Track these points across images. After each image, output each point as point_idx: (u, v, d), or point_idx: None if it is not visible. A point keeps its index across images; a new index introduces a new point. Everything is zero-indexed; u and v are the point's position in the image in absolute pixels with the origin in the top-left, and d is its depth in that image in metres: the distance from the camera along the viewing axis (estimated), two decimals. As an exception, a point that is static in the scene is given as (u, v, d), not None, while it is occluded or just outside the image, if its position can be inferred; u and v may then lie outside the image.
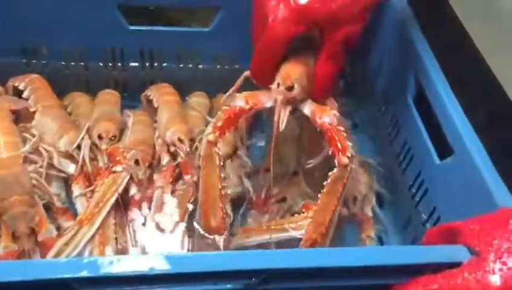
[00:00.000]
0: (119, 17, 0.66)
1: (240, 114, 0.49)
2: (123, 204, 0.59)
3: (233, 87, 0.57)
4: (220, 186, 0.49)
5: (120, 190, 0.58)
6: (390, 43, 0.69)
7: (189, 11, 0.74)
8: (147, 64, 0.71)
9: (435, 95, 0.58)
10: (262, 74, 0.51)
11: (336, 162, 0.47)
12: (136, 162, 0.61)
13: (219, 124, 0.48)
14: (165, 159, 0.62)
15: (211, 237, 0.51)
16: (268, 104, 0.50)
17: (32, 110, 0.65)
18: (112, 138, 0.63)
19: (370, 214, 0.64)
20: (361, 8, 0.47)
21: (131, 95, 0.72)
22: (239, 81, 0.57)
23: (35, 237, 0.55)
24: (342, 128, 0.48)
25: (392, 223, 0.65)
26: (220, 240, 0.51)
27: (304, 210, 0.55)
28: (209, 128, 0.49)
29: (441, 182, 0.56)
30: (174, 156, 0.63)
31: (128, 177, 0.59)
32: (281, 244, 0.53)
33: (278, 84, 0.49)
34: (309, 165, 0.55)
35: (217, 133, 0.47)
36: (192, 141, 0.63)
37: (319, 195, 0.49)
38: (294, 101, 0.50)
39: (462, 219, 0.44)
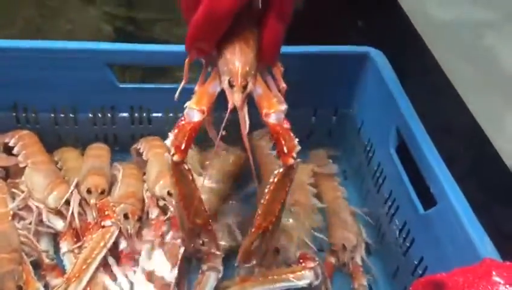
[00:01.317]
0: (109, 75, 0.68)
1: (198, 126, 0.46)
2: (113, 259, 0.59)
3: (183, 81, 0.51)
4: (199, 196, 0.48)
5: (109, 244, 0.58)
6: (372, 96, 0.71)
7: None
8: (137, 118, 0.72)
9: (416, 148, 0.60)
10: (201, 47, 0.46)
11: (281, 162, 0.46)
12: (125, 216, 0.61)
13: (180, 144, 0.44)
14: (154, 213, 0.63)
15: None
16: (218, 90, 0.47)
17: (21, 165, 0.66)
18: (101, 193, 0.63)
19: (360, 263, 0.65)
20: None
21: (121, 148, 0.73)
22: (186, 73, 0.50)
23: (23, 296, 0.55)
24: (287, 125, 0.46)
25: (381, 272, 0.65)
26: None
27: (301, 260, 0.56)
28: (171, 149, 0.45)
29: (427, 232, 0.57)
30: (163, 209, 0.64)
31: (117, 231, 0.59)
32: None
33: (230, 82, 0.45)
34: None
35: (180, 154, 0.44)
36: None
37: (266, 190, 0.47)
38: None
39: (449, 269, 0.45)
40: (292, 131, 0.47)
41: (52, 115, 0.70)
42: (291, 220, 0.64)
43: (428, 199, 0.58)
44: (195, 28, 0.44)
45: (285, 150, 0.45)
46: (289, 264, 0.58)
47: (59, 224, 0.61)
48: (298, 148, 0.45)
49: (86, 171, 0.67)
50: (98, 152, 0.71)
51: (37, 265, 0.58)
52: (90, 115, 0.71)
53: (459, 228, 0.52)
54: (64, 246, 0.60)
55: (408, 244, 0.61)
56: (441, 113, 0.83)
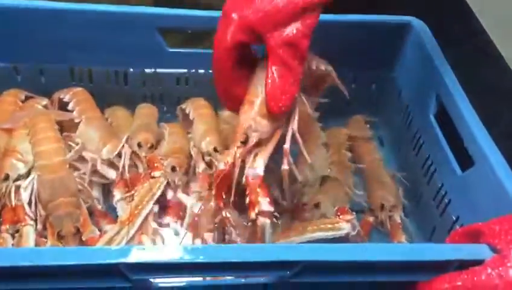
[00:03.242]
0: (158, 39, 0.71)
1: (229, 175, 0.49)
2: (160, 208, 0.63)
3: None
4: None
5: (158, 193, 0.62)
6: (412, 61, 0.73)
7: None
8: (183, 79, 0.75)
9: (455, 112, 0.62)
10: (223, 99, 0.51)
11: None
12: (173, 168, 0.65)
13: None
14: (201, 167, 0.66)
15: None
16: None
17: (76, 121, 0.70)
18: (150, 147, 0.67)
19: (399, 220, 0.67)
20: (297, 10, 0.44)
21: (168, 109, 0.77)
22: None
23: (80, 237, 0.59)
24: (258, 181, 0.49)
25: (417, 233, 0.67)
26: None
27: (339, 213, 0.59)
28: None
29: (464, 192, 0.59)
30: (209, 164, 0.67)
31: (165, 182, 0.63)
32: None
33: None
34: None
35: (219, 201, 0.50)
36: (226, 151, 0.67)
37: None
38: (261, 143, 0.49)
39: (484, 223, 0.47)
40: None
41: (105, 75, 0.74)
42: (329, 181, 0.66)
43: (465, 162, 0.60)
44: (213, 74, 0.50)
45: (251, 205, 0.48)
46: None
47: (112, 173, 0.65)
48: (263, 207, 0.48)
49: (135, 127, 0.70)
50: (147, 111, 0.74)
51: (90, 213, 0.62)
52: (139, 76, 0.75)
53: (497, 187, 0.53)
54: (117, 194, 0.63)
55: (445, 205, 0.62)
56: (482, 76, 0.84)
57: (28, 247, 0.56)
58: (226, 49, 0.46)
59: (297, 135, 0.50)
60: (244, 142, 0.49)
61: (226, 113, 0.76)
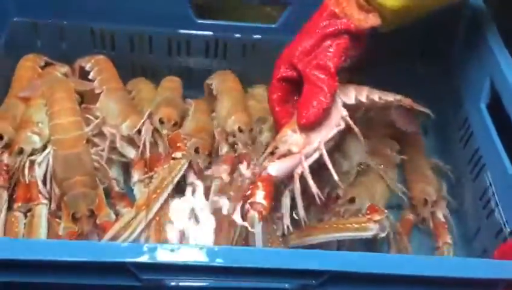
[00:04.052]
0: (188, 10, 0.66)
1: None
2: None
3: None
4: None
5: (179, 176, 0.58)
6: (466, 44, 0.66)
7: (256, 7, 0.74)
8: (212, 54, 0.70)
9: (510, 103, 0.54)
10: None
11: None
12: (196, 150, 0.60)
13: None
14: (224, 148, 0.62)
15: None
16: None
17: (97, 91, 0.65)
18: (174, 125, 0.63)
19: (443, 219, 0.61)
20: (319, 38, 0.52)
21: (194, 84, 0.71)
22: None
23: (95, 220, 0.55)
24: (265, 177, 0.49)
25: (458, 233, 0.61)
26: None
27: (368, 212, 0.54)
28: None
29: (515, 194, 0.53)
30: (232, 146, 0.62)
31: (187, 164, 0.59)
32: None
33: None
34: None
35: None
36: (251, 131, 0.62)
37: None
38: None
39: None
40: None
41: (128, 39, 0.69)
42: (368, 171, 0.61)
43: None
44: None
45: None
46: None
47: (131, 152, 0.61)
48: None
49: (159, 102, 0.66)
50: (172, 84, 0.69)
51: (106, 194, 0.59)
52: (165, 44, 0.70)
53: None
54: (135, 175, 0.59)
55: (492, 206, 0.56)
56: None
57: (34, 240, 0.52)
58: (274, 81, 0.55)
59: (324, 153, 0.51)
60: (273, 153, 0.51)
61: (255, 90, 0.71)
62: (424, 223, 0.62)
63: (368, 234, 0.51)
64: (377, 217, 0.51)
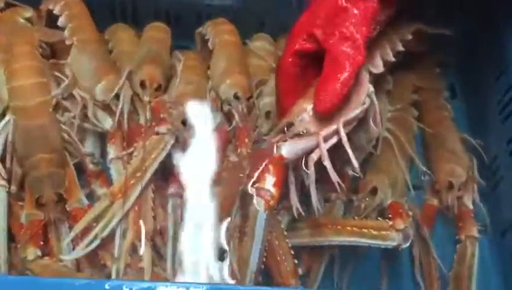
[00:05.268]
0: None
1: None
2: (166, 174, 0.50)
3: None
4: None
5: (162, 156, 0.49)
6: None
7: None
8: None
9: None
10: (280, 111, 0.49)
11: None
12: (184, 122, 0.51)
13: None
14: (217, 119, 0.52)
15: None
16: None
17: (67, 42, 0.55)
18: (157, 88, 0.53)
19: (471, 206, 0.53)
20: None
21: (185, 32, 0.60)
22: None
23: (64, 206, 0.48)
24: (277, 159, 0.43)
25: (489, 225, 0.53)
26: None
27: (390, 214, 0.47)
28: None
29: None
30: (227, 115, 0.53)
31: (173, 141, 0.49)
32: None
33: None
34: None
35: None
36: (250, 98, 0.52)
37: None
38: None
39: None
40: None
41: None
42: (388, 154, 0.52)
43: None
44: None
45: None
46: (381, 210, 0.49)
47: (106, 122, 0.52)
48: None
49: (141, 57, 0.55)
50: (157, 34, 0.58)
51: (80, 170, 0.50)
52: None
53: None
54: (111, 150, 0.50)
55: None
56: None
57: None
58: (289, 55, 0.46)
59: (343, 136, 0.42)
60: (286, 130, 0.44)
61: (256, 43, 0.60)
62: (448, 210, 0.53)
63: (388, 244, 0.45)
64: (400, 225, 0.44)
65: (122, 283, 0.31)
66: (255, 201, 0.42)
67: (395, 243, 0.44)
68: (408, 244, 0.44)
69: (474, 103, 0.60)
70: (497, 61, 0.55)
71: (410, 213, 0.47)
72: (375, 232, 0.44)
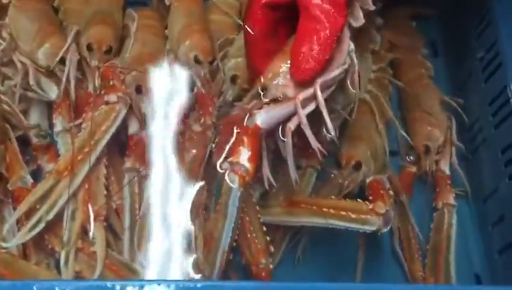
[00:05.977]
0: None
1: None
2: (120, 146, 0.46)
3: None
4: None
5: (114, 128, 0.44)
6: None
7: None
8: None
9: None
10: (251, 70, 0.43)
11: None
12: (138, 89, 0.46)
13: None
14: (176, 85, 0.47)
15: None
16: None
17: (4, 1, 0.49)
18: (107, 51, 0.47)
19: (448, 171, 0.50)
20: None
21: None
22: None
23: (5, 185, 0.43)
24: (252, 130, 0.39)
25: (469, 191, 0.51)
26: None
27: (371, 195, 0.44)
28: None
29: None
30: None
31: (125, 110, 0.45)
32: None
33: None
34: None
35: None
36: (213, 62, 0.47)
37: None
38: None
39: None
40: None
41: None
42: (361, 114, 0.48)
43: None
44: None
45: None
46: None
47: (51, 90, 0.47)
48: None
49: (89, 16, 0.50)
50: (109, -10, 0.52)
51: (24, 144, 0.46)
52: None
53: None
54: (58, 122, 0.46)
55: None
56: None
57: None
58: (259, 8, 0.40)
59: (321, 100, 0.38)
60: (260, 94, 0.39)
61: (220, -1, 0.54)
62: (427, 175, 0.50)
63: (367, 228, 0.41)
64: (381, 209, 0.41)
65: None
66: (227, 177, 0.39)
67: (374, 228, 0.41)
68: (388, 228, 0.41)
69: (456, 61, 0.56)
70: (480, 13, 0.51)
71: (391, 193, 0.43)
72: (353, 215, 0.41)
